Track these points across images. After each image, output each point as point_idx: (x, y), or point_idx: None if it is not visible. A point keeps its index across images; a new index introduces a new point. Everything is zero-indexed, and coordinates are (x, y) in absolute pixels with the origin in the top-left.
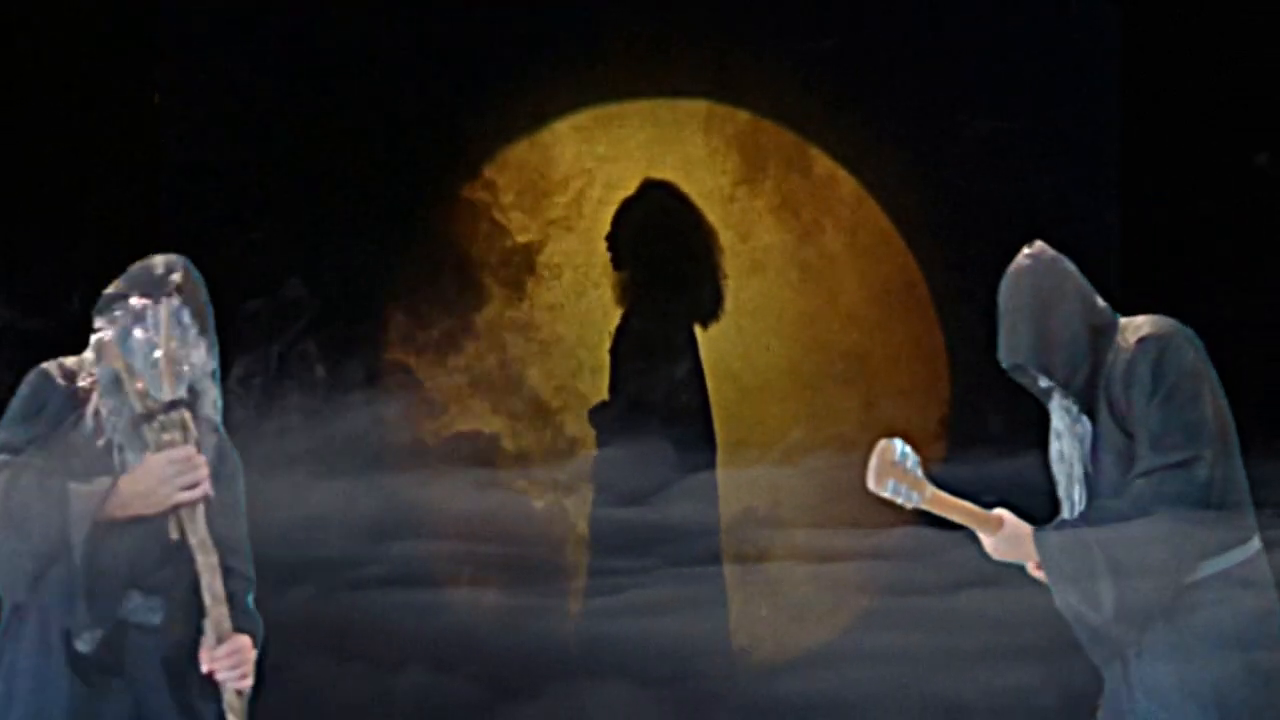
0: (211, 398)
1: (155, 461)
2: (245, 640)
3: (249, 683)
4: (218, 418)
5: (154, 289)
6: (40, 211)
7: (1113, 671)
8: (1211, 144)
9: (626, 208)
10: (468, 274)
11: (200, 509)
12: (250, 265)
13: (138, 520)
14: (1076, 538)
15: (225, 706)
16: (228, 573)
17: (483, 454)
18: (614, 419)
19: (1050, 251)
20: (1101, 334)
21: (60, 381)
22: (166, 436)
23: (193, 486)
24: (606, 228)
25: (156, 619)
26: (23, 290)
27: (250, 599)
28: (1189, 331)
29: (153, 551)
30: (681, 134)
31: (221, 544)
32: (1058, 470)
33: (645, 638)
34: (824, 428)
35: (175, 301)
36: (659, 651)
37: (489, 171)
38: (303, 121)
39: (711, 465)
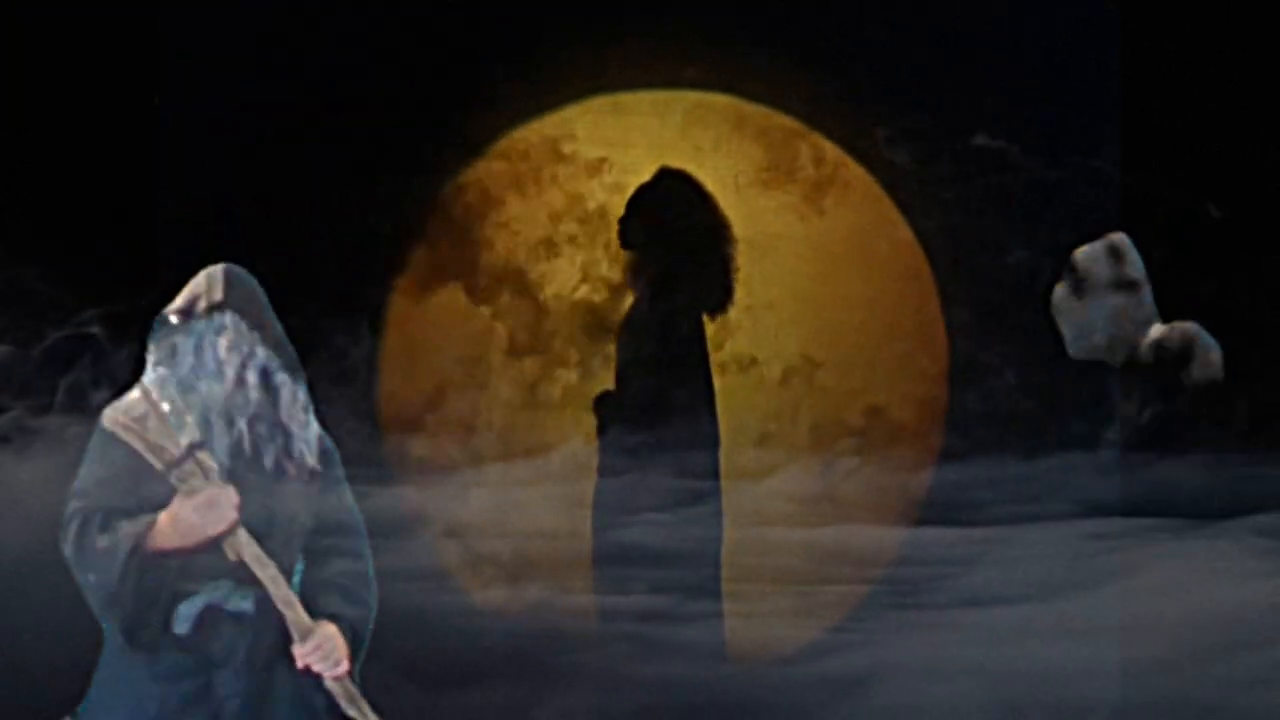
0: (289, 394)
1: (184, 507)
2: (329, 630)
3: (343, 668)
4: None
5: (192, 310)
6: (40, 212)
7: None
8: (1211, 136)
9: (641, 193)
10: (474, 267)
11: (241, 532)
12: (251, 264)
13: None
14: None
15: (330, 691)
16: (327, 557)
17: (485, 449)
18: (618, 408)
19: (1123, 245)
20: (1134, 325)
21: (116, 430)
22: (186, 485)
23: (220, 520)
24: (617, 217)
25: (247, 605)
26: (23, 290)
27: (360, 581)
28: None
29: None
30: (694, 125)
31: (323, 529)
32: None
33: (645, 641)
34: (825, 423)
35: (217, 320)
36: (659, 650)
37: (494, 162)
38: (305, 120)
39: (714, 456)
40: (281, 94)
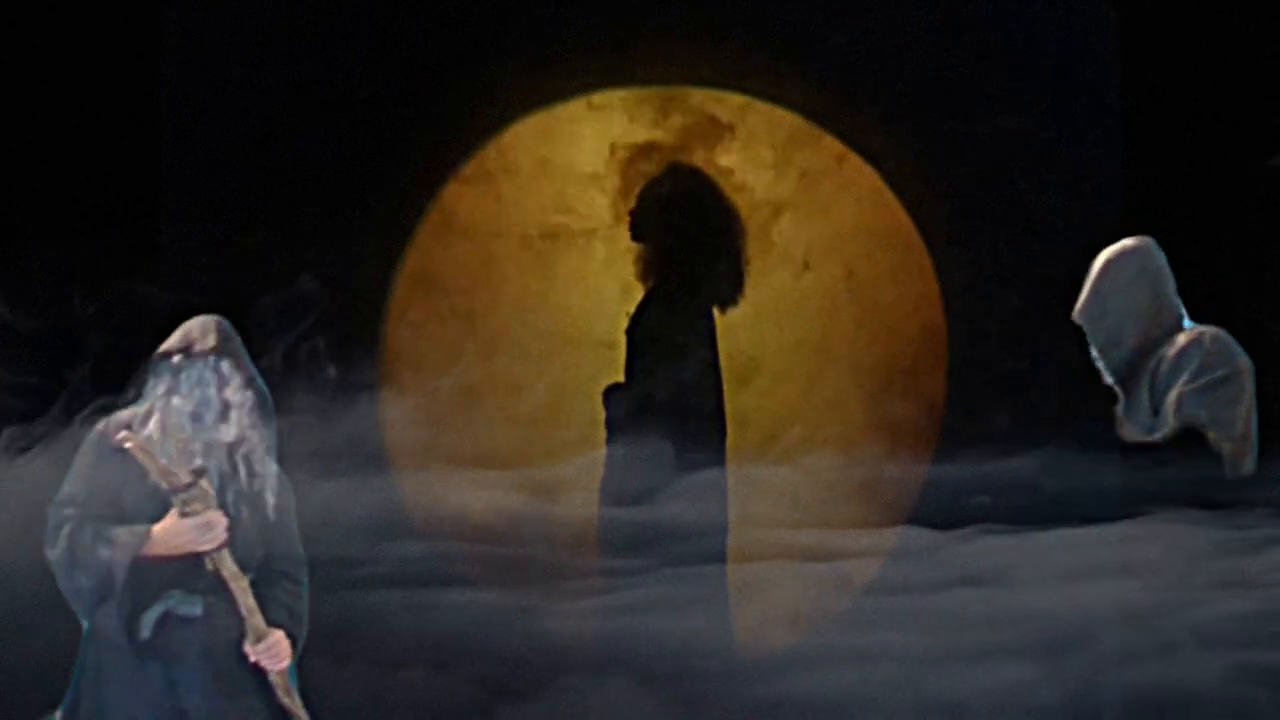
0: (257, 437)
1: (182, 525)
2: (279, 635)
3: (284, 664)
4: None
5: (189, 350)
6: (40, 211)
7: None
8: (1211, 136)
9: (652, 185)
10: (476, 267)
11: (225, 551)
12: (253, 263)
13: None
14: None
15: (272, 683)
16: (278, 579)
17: (489, 452)
18: (627, 401)
19: (1149, 249)
20: (1164, 330)
21: (131, 450)
22: (190, 508)
23: (214, 540)
24: (627, 217)
25: (197, 610)
26: (23, 290)
27: (301, 602)
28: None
29: (193, 565)
30: (703, 120)
31: (277, 556)
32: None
33: (649, 636)
34: (825, 422)
35: (213, 363)
36: (662, 650)
37: (496, 158)
38: (306, 115)
39: (721, 451)
40: (282, 90)
